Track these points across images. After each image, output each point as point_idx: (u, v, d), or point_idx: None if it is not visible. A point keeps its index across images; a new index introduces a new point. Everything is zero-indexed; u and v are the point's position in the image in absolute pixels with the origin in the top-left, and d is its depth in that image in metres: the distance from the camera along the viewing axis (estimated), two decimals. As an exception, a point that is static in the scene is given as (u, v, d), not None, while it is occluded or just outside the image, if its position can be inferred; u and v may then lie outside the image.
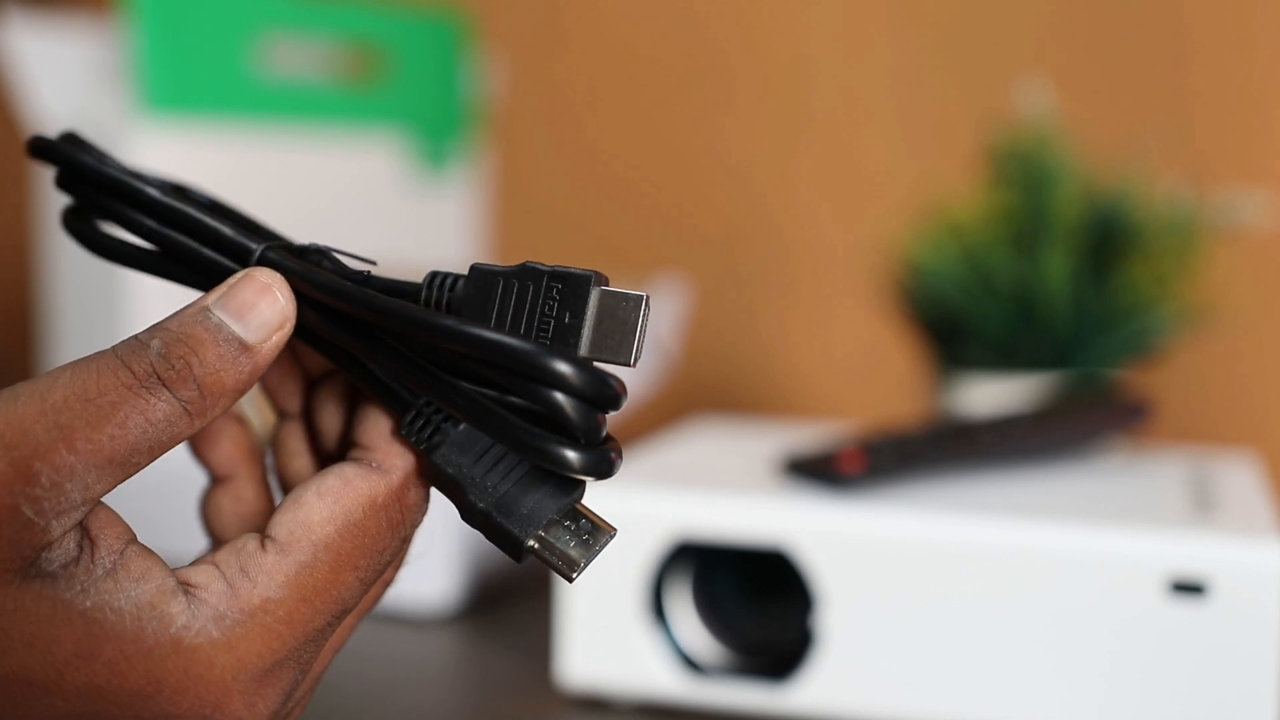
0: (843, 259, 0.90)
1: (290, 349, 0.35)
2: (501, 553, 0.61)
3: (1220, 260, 0.82)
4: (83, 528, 0.29)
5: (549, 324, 0.30)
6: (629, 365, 0.30)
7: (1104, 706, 0.43)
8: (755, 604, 0.47)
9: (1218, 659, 0.42)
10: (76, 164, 0.33)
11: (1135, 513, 0.45)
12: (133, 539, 0.30)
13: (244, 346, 0.30)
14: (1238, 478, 0.52)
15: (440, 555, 0.57)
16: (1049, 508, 0.46)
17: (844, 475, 0.47)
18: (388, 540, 0.31)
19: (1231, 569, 0.42)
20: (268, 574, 0.30)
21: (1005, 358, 0.64)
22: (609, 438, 0.30)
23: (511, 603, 0.59)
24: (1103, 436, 0.53)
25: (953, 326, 0.66)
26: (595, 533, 0.31)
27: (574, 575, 0.30)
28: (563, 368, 0.28)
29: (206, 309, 0.30)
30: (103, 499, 0.30)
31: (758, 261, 0.92)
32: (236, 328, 0.30)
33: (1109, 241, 0.64)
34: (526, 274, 0.31)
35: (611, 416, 0.89)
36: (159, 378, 0.29)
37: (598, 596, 0.47)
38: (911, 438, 0.49)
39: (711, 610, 0.47)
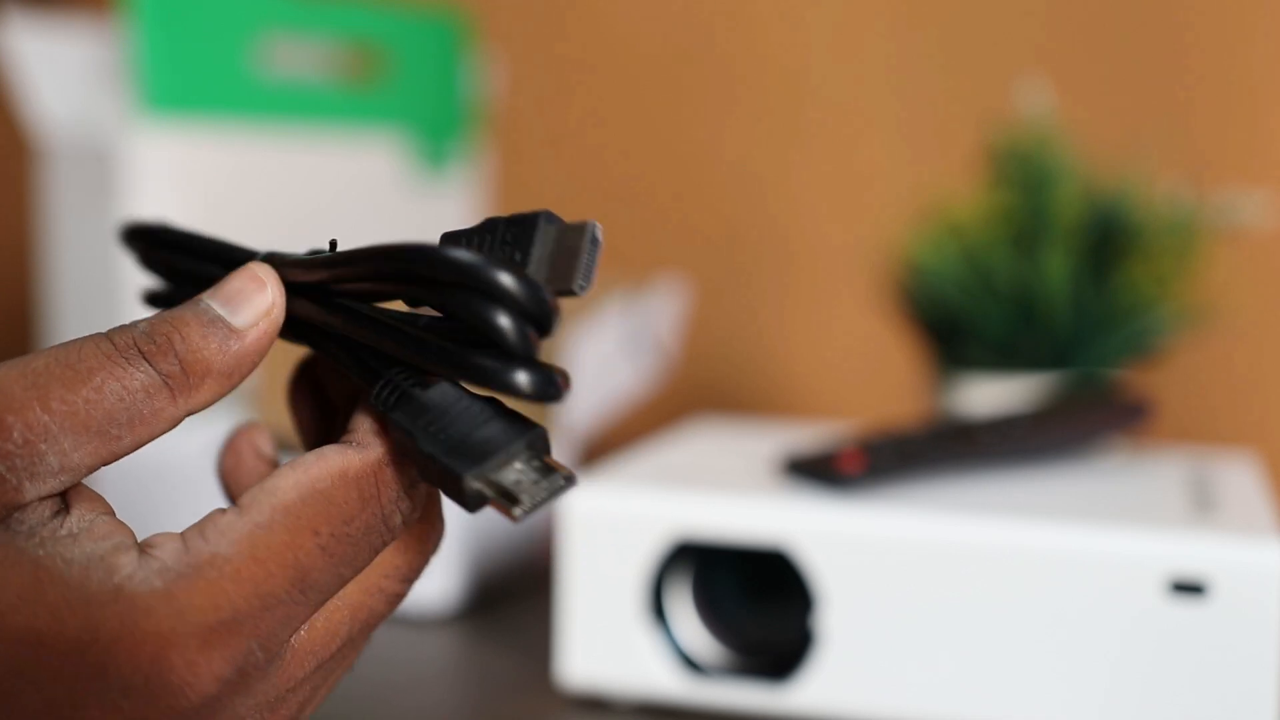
0: (843, 259, 0.90)
1: (319, 387, 0.37)
2: (501, 553, 0.61)
3: (1220, 260, 0.82)
4: (63, 500, 0.30)
5: None
6: (575, 293, 0.30)
7: (1104, 707, 0.43)
8: (755, 604, 0.47)
9: (1218, 659, 0.42)
10: (174, 241, 0.35)
11: (1135, 513, 0.45)
12: (108, 511, 0.30)
13: (230, 329, 0.31)
14: (1238, 478, 0.52)
15: (440, 555, 0.57)
16: (1049, 508, 0.46)
17: (844, 475, 0.47)
18: (356, 511, 0.31)
19: (1231, 569, 0.42)
20: (220, 531, 0.30)
21: (1005, 358, 0.64)
22: (552, 366, 0.30)
23: (511, 603, 0.59)
24: (1103, 436, 0.53)
25: (953, 326, 0.66)
26: (549, 474, 0.30)
27: (519, 515, 0.29)
28: (504, 278, 0.29)
29: (198, 299, 0.32)
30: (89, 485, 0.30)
31: (758, 261, 0.92)
32: (223, 311, 0.31)
33: (1109, 241, 0.64)
34: (486, 227, 0.32)
35: (612, 417, 0.89)
36: (139, 350, 0.30)
37: (598, 596, 0.47)
38: (911, 438, 0.49)
39: (711, 610, 0.47)
